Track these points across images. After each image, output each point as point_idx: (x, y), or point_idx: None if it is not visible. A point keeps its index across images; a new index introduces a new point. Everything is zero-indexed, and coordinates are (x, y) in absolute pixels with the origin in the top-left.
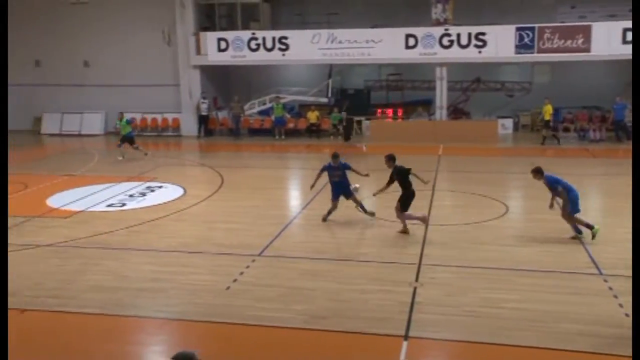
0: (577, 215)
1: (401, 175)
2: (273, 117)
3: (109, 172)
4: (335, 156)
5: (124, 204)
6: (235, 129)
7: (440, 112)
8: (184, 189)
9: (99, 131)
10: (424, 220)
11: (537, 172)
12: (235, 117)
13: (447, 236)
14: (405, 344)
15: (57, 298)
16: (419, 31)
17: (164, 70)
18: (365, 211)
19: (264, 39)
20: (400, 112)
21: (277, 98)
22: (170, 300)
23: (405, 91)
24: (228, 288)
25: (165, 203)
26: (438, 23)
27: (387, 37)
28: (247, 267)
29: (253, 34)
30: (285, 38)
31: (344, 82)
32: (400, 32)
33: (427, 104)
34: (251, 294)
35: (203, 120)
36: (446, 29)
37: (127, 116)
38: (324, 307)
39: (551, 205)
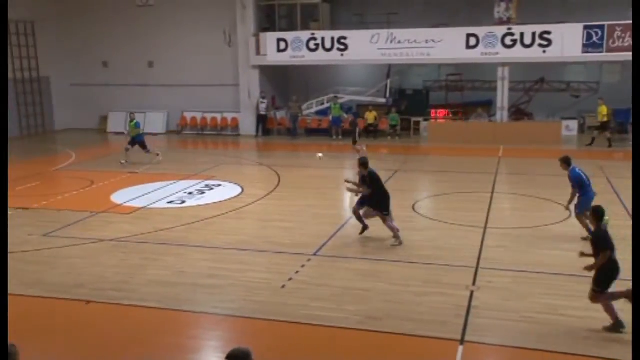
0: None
1: (374, 180)
2: (330, 117)
3: (170, 170)
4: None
5: (183, 202)
6: (293, 128)
7: (502, 113)
8: (241, 187)
9: (161, 130)
10: (397, 237)
11: (564, 162)
12: (293, 116)
13: (506, 240)
14: (461, 348)
15: (120, 291)
16: (480, 31)
17: (224, 70)
18: (363, 225)
19: (323, 39)
20: (459, 113)
21: (335, 98)
22: (227, 296)
23: (465, 92)
24: (283, 286)
25: (223, 201)
26: (501, 22)
27: (447, 37)
28: (303, 266)
29: (312, 34)
30: (344, 38)
31: (403, 82)
32: (461, 32)
33: (488, 105)
34: (306, 293)
35: (261, 120)
36: (509, 28)
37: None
38: (378, 308)
39: (569, 202)
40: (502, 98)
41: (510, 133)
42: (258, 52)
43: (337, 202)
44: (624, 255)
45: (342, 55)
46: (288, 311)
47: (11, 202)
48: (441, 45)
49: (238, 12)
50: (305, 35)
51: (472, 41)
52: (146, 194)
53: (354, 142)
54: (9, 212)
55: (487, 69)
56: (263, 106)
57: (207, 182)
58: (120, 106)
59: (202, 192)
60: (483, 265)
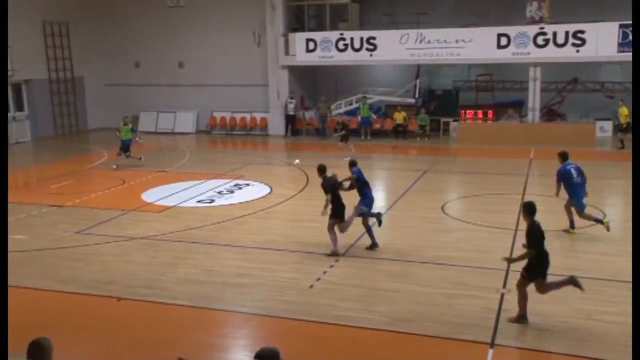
0: (587, 212)
1: (329, 187)
2: (359, 118)
3: (199, 169)
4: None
5: (212, 201)
6: (322, 128)
7: (533, 113)
8: (270, 187)
9: (191, 129)
10: (335, 252)
11: (559, 156)
12: (322, 117)
13: None
14: (491, 351)
15: (150, 288)
16: (512, 30)
17: (253, 70)
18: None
19: (351, 39)
20: (489, 114)
21: (363, 98)
22: (255, 295)
23: (495, 92)
24: (311, 286)
25: (252, 201)
26: (533, 21)
27: (478, 37)
28: (331, 266)
29: (341, 34)
30: (373, 38)
31: (432, 82)
32: (492, 32)
33: (519, 106)
34: (334, 293)
35: (290, 120)
36: (541, 28)
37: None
38: (407, 309)
39: (556, 193)
40: (534, 98)
41: (542, 134)
42: (287, 53)
43: None
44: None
45: (371, 55)
46: (316, 311)
47: (46, 199)
48: (471, 45)
49: (267, 13)
50: (334, 35)
51: (503, 41)
52: (176, 192)
53: (343, 141)
54: (44, 210)
55: (518, 69)
56: (291, 106)
57: (236, 182)
58: (151, 106)
59: (231, 192)
60: (514, 267)
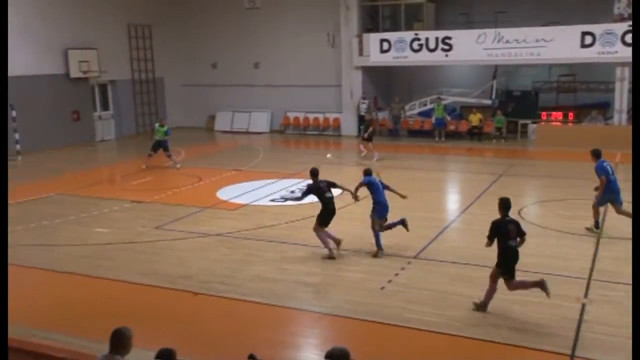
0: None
1: (317, 192)
2: (433, 119)
3: (273, 169)
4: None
5: (285, 199)
6: (395, 129)
7: (620, 116)
8: (342, 188)
9: (265, 129)
10: (331, 255)
11: (592, 154)
12: (395, 117)
13: (622, 250)
14: None
15: (225, 285)
16: (597, 28)
17: (326, 71)
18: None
19: (427, 39)
20: (571, 116)
21: (438, 99)
22: (326, 295)
23: (578, 93)
24: (382, 288)
25: None
26: (621, 19)
27: (559, 36)
28: (402, 268)
29: (416, 34)
30: (449, 38)
31: (510, 83)
32: (575, 30)
33: (604, 107)
34: (405, 296)
35: (363, 121)
36: (630, 25)
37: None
38: (479, 315)
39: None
40: (621, 100)
41: (630, 137)
42: (361, 53)
43: (439, 205)
44: None
45: (446, 55)
46: (386, 313)
47: (127, 195)
48: (553, 45)
49: (342, 13)
50: (408, 35)
51: (588, 39)
52: (250, 191)
53: (366, 140)
54: (126, 205)
55: (604, 68)
56: (364, 107)
57: (308, 181)
58: (226, 106)
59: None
60: (596, 277)
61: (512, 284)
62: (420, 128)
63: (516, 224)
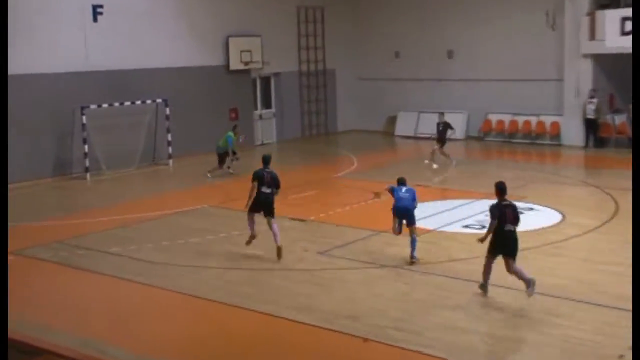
0: None
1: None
2: None
3: (468, 186)
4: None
5: (484, 227)
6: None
7: None
8: (562, 214)
9: (459, 135)
10: (251, 237)
11: None
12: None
13: None
14: None
15: (400, 331)
16: None
17: (543, 61)
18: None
19: None
20: None
21: None
22: (539, 357)
23: None
24: (621, 357)
25: (536, 230)
26: None
27: None
28: None
29: None
30: None
31: None
32: None
33: None
34: None
35: (591, 126)
36: None
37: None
38: None
39: None
40: None
41: None
42: (592, 37)
43: None
44: None
45: None
46: None
47: (286, 211)
48: None
49: None
50: None
51: None
52: (438, 212)
53: (440, 144)
54: (286, 223)
55: None
56: (591, 107)
57: (515, 204)
58: (411, 105)
59: None
60: None
61: (512, 268)
62: None
63: (513, 208)
